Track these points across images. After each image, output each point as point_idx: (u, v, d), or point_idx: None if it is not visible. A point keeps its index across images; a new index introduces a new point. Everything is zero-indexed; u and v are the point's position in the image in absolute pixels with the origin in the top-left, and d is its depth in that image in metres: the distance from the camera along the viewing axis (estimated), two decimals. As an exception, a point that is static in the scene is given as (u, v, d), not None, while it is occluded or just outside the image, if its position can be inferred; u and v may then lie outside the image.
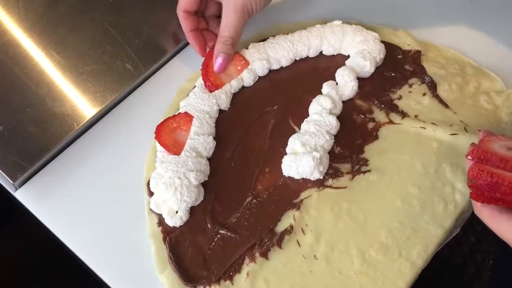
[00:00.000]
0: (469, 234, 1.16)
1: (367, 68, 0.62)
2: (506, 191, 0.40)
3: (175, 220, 0.54)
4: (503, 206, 0.41)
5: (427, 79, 0.63)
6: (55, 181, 0.57)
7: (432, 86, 0.63)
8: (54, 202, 0.56)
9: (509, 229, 0.40)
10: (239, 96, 0.63)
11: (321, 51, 0.66)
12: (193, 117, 0.59)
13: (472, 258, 1.14)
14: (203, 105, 0.60)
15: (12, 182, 0.55)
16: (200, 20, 0.63)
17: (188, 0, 0.60)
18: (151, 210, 0.55)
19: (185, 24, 0.61)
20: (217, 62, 0.59)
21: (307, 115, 0.60)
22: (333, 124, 0.58)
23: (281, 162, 0.57)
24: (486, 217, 0.43)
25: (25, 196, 0.56)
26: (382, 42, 0.65)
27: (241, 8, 0.57)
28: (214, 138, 0.59)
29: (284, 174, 0.57)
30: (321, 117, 0.59)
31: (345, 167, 0.58)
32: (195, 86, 0.62)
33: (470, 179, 0.42)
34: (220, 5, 0.60)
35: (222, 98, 0.61)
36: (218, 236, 0.54)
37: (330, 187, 0.57)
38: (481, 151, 0.42)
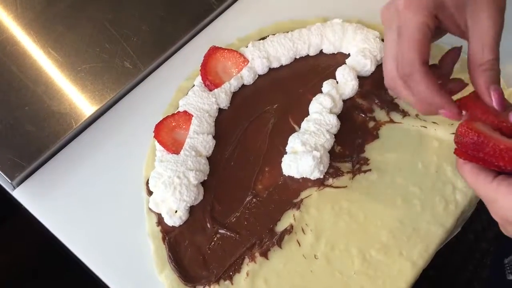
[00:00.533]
0: (468, 232, 1.16)
1: (368, 66, 0.62)
2: (489, 152, 0.40)
3: (174, 220, 0.53)
4: (484, 166, 0.41)
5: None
6: (53, 180, 0.57)
7: (433, 85, 0.62)
8: (52, 201, 0.56)
9: (484, 187, 0.40)
10: (238, 95, 0.62)
11: (321, 50, 0.65)
12: (193, 115, 0.58)
13: (471, 256, 1.14)
14: (202, 104, 0.59)
15: (10, 181, 0.55)
16: None
17: (423, 43, 0.42)
18: (150, 209, 0.55)
19: (433, 80, 0.42)
20: (495, 97, 0.41)
21: (307, 114, 0.60)
22: (333, 123, 0.58)
23: (281, 161, 0.57)
24: (466, 173, 0.42)
25: (23, 195, 0.56)
26: (383, 40, 0.64)
27: (500, 15, 0.41)
28: (214, 137, 0.59)
29: (284, 174, 0.57)
30: (321, 116, 0.58)
31: (346, 166, 0.58)
32: (194, 84, 0.62)
33: (458, 135, 0.42)
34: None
35: (222, 96, 0.61)
36: (218, 235, 0.54)
37: (331, 186, 0.56)
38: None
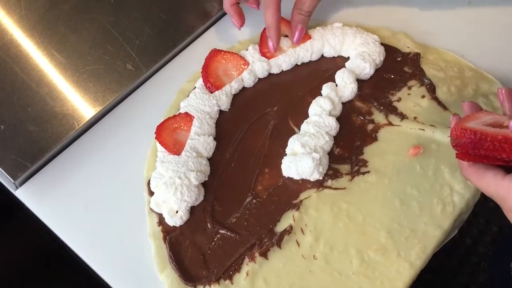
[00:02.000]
0: (465, 236, 1.17)
1: (367, 70, 0.63)
2: (490, 147, 0.40)
3: (175, 220, 0.54)
4: (488, 164, 0.41)
5: (426, 81, 0.64)
6: (55, 180, 0.57)
7: (431, 89, 0.63)
8: (55, 201, 0.56)
9: (495, 186, 0.40)
10: (239, 97, 0.63)
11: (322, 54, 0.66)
12: (194, 117, 0.59)
13: (468, 259, 1.15)
14: (203, 106, 0.60)
15: (12, 180, 0.56)
16: None
17: None
18: (151, 209, 0.55)
19: None
20: (298, 32, 0.62)
21: (307, 116, 0.61)
22: (332, 125, 0.59)
23: (281, 162, 0.58)
24: (472, 175, 0.42)
25: (25, 195, 0.57)
26: (382, 44, 0.65)
27: None
28: (214, 139, 0.59)
29: (283, 175, 0.58)
30: (320, 119, 0.59)
31: (345, 168, 0.58)
32: (195, 86, 0.62)
33: (454, 138, 0.42)
34: None
35: (223, 98, 0.61)
36: (218, 235, 0.54)
37: (330, 188, 0.57)
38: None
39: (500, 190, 0.40)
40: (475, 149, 0.41)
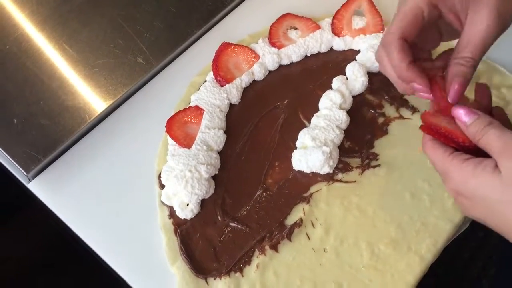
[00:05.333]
0: (476, 229, 1.16)
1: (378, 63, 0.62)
2: (444, 133, 0.43)
3: (186, 213, 0.54)
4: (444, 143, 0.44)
5: (438, 74, 0.63)
6: (67, 173, 0.58)
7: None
8: (67, 193, 0.57)
9: (442, 160, 0.42)
10: (249, 90, 0.63)
11: (332, 46, 0.66)
12: (204, 110, 0.59)
13: (480, 252, 1.14)
14: (214, 99, 0.60)
15: (25, 173, 0.56)
16: None
17: (408, 22, 0.44)
18: (162, 202, 0.56)
19: (402, 56, 0.44)
20: (453, 88, 0.43)
21: (317, 109, 0.61)
22: (343, 118, 0.59)
23: (291, 156, 0.58)
24: (428, 148, 0.44)
25: (38, 187, 0.57)
26: (393, 37, 0.65)
27: (497, 21, 0.41)
28: (225, 132, 0.59)
29: (294, 168, 0.58)
30: (331, 112, 0.59)
31: (355, 161, 0.58)
32: (206, 80, 0.63)
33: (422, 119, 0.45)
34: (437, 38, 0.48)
35: (233, 92, 0.61)
36: (229, 228, 0.54)
37: (340, 181, 0.57)
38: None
39: (445, 165, 0.42)
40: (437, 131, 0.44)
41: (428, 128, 0.44)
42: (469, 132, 0.41)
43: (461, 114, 0.41)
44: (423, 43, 0.47)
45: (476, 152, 0.41)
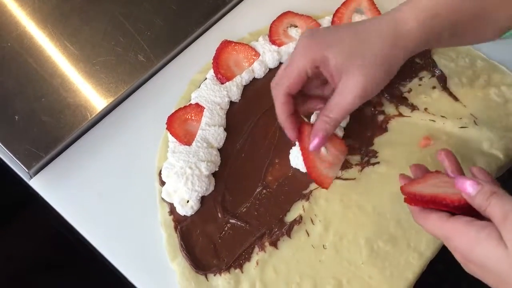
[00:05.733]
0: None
1: (378, 61, 0.63)
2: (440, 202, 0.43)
3: (186, 209, 0.55)
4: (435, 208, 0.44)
5: (437, 72, 0.63)
6: (69, 170, 0.58)
7: (442, 80, 0.63)
8: (68, 190, 0.57)
9: (440, 225, 0.42)
10: (250, 88, 0.63)
11: (332, 44, 0.66)
12: (204, 108, 0.60)
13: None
14: (214, 97, 0.61)
15: (27, 170, 0.56)
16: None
17: (294, 82, 0.50)
18: (162, 199, 0.56)
19: (284, 109, 0.52)
20: (314, 141, 0.51)
21: (317, 107, 0.61)
22: (343, 116, 0.59)
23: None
24: (420, 219, 0.45)
25: (39, 184, 0.58)
26: (393, 35, 0.65)
27: (361, 93, 0.48)
28: (225, 129, 0.60)
29: (292, 166, 0.58)
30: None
31: (355, 159, 0.58)
32: (206, 78, 0.63)
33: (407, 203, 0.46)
34: (322, 84, 0.55)
35: (233, 89, 0.62)
36: (228, 225, 0.55)
37: (340, 178, 0.57)
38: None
39: (444, 230, 0.42)
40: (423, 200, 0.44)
41: (413, 200, 0.45)
42: (475, 203, 0.41)
43: (466, 185, 0.41)
44: (312, 87, 0.54)
45: (469, 209, 0.41)
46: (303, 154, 0.53)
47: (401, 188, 0.46)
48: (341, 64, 0.48)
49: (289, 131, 0.53)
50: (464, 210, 0.42)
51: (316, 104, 0.54)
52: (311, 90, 0.55)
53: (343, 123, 0.59)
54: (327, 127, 0.51)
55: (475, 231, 0.40)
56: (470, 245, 0.40)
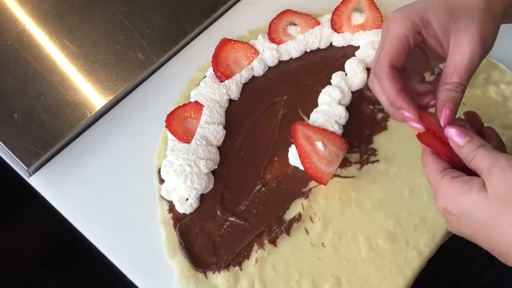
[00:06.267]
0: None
1: (377, 59, 0.63)
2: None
3: (185, 207, 0.55)
4: (441, 157, 0.44)
5: (437, 70, 0.63)
6: (68, 168, 0.58)
7: (442, 77, 0.63)
8: (67, 188, 0.57)
9: (433, 177, 0.43)
10: (249, 86, 0.63)
11: (331, 42, 0.66)
12: (204, 106, 0.60)
13: (479, 251, 1.14)
14: (213, 95, 0.61)
15: (26, 168, 0.56)
16: None
17: (394, 50, 0.45)
18: (162, 197, 0.56)
19: (393, 84, 0.45)
20: (444, 113, 0.43)
21: (316, 105, 0.61)
22: (342, 114, 0.59)
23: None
24: (425, 163, 0.45)
25: (39, 182, 0.58)
26: (392, 33, 0.65)
27: (481, 45, 0.43)
28: (224, 127, 0.60)
29: (290, 164, 0.58)
30: (330, 107, 0.59)
31: (354, 157, 0.58)
32: (205, 76, 0.63)
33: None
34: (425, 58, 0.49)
35: (232, 87, 0.62)
36: (228, 223, 0.55)
37: (339, 176, 0.57)
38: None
39: (435, 182, 0.43)
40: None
41: (424, 136, 0.44)
42: (462, 153, 0.42)
43: (453, 134, 0.42)
44: (413, 67, 0.48)
45: (467, 170, 0.42)
46: (299, 151, 0.54)
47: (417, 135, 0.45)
48: (447, 22, 0.44)
49: (408, 110, 0.45)
50: (464, 169, 0.42)
51: (429, 98, 0.47)
52: (415, 76, 0.49)
53: (342, 121, 0.59)
54: (453, 95, 0.44)
55: (460, 183, 0.40)
56: (453, 196, 0.41)
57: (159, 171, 0.57)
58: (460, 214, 0.41)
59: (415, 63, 0.48)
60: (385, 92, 0.46)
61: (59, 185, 0.57)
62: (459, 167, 0.43)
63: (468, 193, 0.40)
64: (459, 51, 0.44)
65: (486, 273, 1.12)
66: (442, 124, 0.44)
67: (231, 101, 0.62)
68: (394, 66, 0.45)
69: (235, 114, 0.61)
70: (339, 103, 0.60)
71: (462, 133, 0.42)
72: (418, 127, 0.45)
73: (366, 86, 0.63)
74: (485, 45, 0.44)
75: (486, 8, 0.44)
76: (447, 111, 0.43)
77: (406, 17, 0.45)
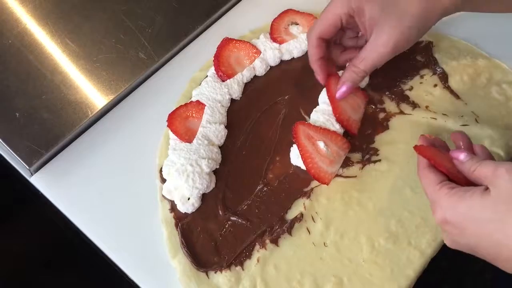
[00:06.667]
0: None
1: (379, 58, 0.62)
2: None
3: (187, 207, 0.55)
4: (439, 170, 0.46)
5: (438, 70, 0.63)
6: (69, 167, 0.58)
7: (444, 77, 0.63)
8: (69, 187, 0.57)
9: (431, 189, 0.44)
10: (250, 86, 0.63)
11: (333, 42, 0.66)
12: (205, 105, 0.59)
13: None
14: (215, 94, 0.61)
15: (27, 167, 0.56)
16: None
17: (327, 25, 0.53)
18: (163, 196, 0.56)
19: (315, 51, 0.55)
20: (341, 89, 0.55)
21: (317, 105, 0.61)
22: (343, 113, 0.59)
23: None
24: (421, 175, 0.47)
25: (40, 181, 0.58)
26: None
27: (391, 48, 0.50)
28: (226, 127, 0.60)
29: (292, 163, 0.58)
30: (330, 107, 0.59)
31: (356, 156, 0.58)
32: (207, 75, 0.63)
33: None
34: (357, 37, 0.58)
35: (234, 87, 0.62)
36: (229, 222, 0.55)
37: (341, 176, 0.57)
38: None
39: (433, 193, 0.44)
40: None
41: (422, 149, 0.48)
42: (464, 167, 0.44)
43: (458, 154, 0.45)
44: (347, 38, 0.58)
45: (464, 185, 0.43)
46: (301, 151, 0.54)
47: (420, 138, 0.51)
48: (376, 17, 0.49)
49: (318, 74, 0.56)
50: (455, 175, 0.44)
51: (352, 54, 0.56)
52: (346, 41, 0.58)
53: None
54: (354, 77, 0.53)
55: (460, 193, 0.41)
56: (453, 203, 0.42)
57: (160, 170, 0.57)
58: (461, 222, 0.41)
59: (346, 36, 0.58)
60: (309, 55, 0.56)
61: (61, 184, 0.57)
62: (456, 180, 0.44)
63: (470, 198, 0.40)
64: (373, 48, 0.51)
65: (490, 269, 1.12)
66: (337, 96, 0.55)
67: (232, 100, 0.62)
68: (321, 38, 0.54)
69: (236, 114, 0.61)
70: (341, 102, 0.60)
71: (465, 152, 0.44)
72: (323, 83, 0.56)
73: (368, 86, 0.63)
74: (397, 49, 0.50)
75: (420, 14, 0.49)
76: (344, 88, 0.54)
77: (346, 1, 0.51)
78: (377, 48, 0.50)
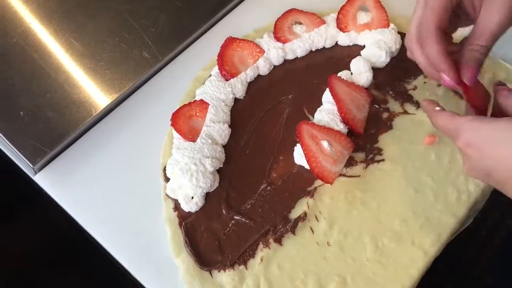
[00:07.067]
0: (480, 228, 1.16)
1: (383, 58, 0.63)
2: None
3: (190, 206, 0.55)
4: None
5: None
6: (74, 166, 0.58)
7: (447, 77, 0.63)
8: (73, 186, 0.57)
9: (451, 119, 0.44)
10: (254, 85, 0.63)
11: (337, 41, 0.66)
12: (209, 104, 0.59)
13: (483, 252, 1.14)
14: (218, 93, 0.61)
15: (32, 166, 0.57)
16: None
17: (443, 10, 0.47)
18: (167, 195, 0.56)
19: (439, 48, 0.47)
20: (468, 72, 0.47)
21: (321, 104, 0.61)
22: (347, 113, 0.59)
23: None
24: (431, 113, 0.46)
25: (44, 180, 0.58)
26: (398, 32, 0.65)
27: (509, 14, 0.45)
28: (230, 126, 0.60)
29: (296, 163, 0.58)
30: (334, 106, 0.59)
31: (359, 156, 0.58)
32: (211, 74, 0.63)
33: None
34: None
35: (238, 86, 0.62)
36: (233, 221, 0.55)
37: (344, 175, 0.57)
38: None
39: (455, 122, 0.43)
40: None
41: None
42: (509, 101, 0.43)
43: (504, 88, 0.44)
44: (445, 27, 0.49)
45: None
46: (305, 150, 0.54)
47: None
48: None
49: (449, 71, 0.47)
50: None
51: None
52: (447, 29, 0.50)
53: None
54: (477, 56, 0.46)
55: (481, 117, 0.41)
56: (476, 125, 0.41)
57: (164, 169, 0.57)
58: (483, 143, 0.40)
59: (448, 24, 0.49)
60: (430, 54, 0.47)
61: (65, 183, 0.57)
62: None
63: (495, 121, 0.40)
64: (489, 17, 0.45)
65: (491, 273, 1.12)
66: (467, 81, 0.46)
67: (236, 99, 0.62)
68: (440, 29, 0.47)
69: (240, 113, 0.61)
70: (345, 102, 0.60)
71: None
72: (453, 85, 0.47)
73: (372, 85, 0.63)
74: None
75: None
76: (471, 70, 0.46)
77: None
78: (492, 17, 0.45)
